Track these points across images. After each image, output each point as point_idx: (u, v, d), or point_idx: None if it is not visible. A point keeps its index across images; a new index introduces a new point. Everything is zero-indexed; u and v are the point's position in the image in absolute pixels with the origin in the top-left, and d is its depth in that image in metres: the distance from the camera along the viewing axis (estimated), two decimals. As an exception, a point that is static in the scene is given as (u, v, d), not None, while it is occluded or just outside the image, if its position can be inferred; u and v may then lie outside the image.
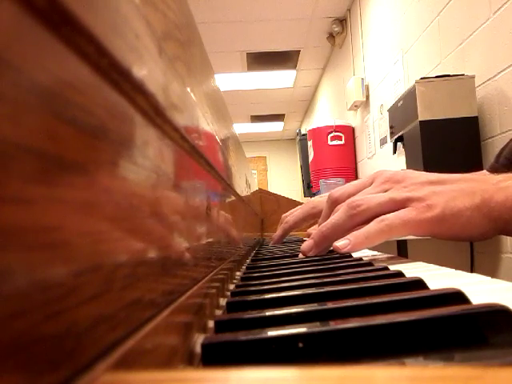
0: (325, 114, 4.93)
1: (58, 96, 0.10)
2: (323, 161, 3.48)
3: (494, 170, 0.77)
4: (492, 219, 0.44)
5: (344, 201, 0.52)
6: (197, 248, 0.26)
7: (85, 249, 0.11)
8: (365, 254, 0.61)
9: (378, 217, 0.47)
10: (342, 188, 0.55)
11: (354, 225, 0.50)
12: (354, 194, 0.53)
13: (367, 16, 3.13)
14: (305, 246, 0.54)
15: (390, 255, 0.57)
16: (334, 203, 0.54)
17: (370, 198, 0.49)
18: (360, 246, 0.46)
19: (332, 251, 0.55)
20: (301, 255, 0.56)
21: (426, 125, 1.57)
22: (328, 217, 0.53)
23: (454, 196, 0.45)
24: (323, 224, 0.52)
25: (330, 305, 0.25)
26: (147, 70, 0.16)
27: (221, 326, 0.24)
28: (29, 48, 0.09)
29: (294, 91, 5.56)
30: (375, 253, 0.64)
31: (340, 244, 0.47)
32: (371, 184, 0.53)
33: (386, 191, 0.50)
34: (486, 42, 1.59)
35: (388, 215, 0.46)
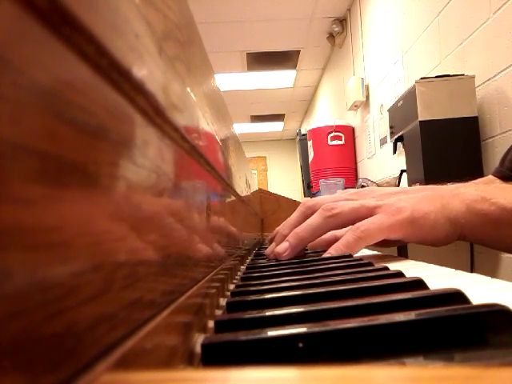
0: (325, 114, 4.93)
1: (58, 96, 0.10)
2: (323, 161, 3.47)
3: (500, 174, 0.77)
4: (452, 223, 0.47)
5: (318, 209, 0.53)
6: (197, 248, 0.26)
7: (85, 249, 0.11)
8: (365, 253, 0.61)
9: (350, 222, 0.49)
10: (317, 198, 0.57)
11: (329, 228, 0.52)
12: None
13: (367, 16, 3.12)
14: (280, 248, 0.53)
15: (389, 255, 0.57)
16: (308, 209, 0.55)
17: (343, 203, 0.52)
18: None
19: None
20: (272, 256, 0.55)
21: (426, 125, 1.57)
22: (299, 222, 0.54)
23: (418, 201, 0.49)
24: (298, 226, 0.53)
25: (330, 305, 0.25)
26: (147, 70, 0.16)
27: (221, 325, 0.24)
28: (29, 48, 0.09)
29: (294, 91, 5.55)
30: (375, 253, 0.64)
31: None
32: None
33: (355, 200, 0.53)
34: (486, 42, 1.59)
35: (362, 222, 0.48)
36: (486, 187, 0.49)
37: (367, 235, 0.48)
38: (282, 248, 0.53)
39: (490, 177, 0.79)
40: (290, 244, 0.52)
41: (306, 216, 0.54)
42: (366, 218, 0.49)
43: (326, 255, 0.49)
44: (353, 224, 0.50)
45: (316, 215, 0.52)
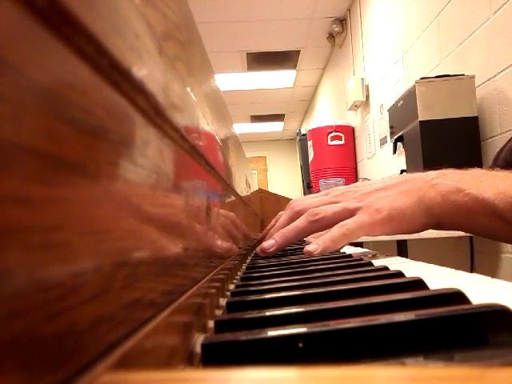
0: (325, 114, 4.92)
1: (58, 96, 0.10)
2: (323, 161, 3.47)
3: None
4: (428, 213, 0.52)
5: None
6: (197, 248, 0.26)
7: (85, 249, 0.11)
8: (364, 252, 0.61)
9: (333, 224, 0.54)
10: (303, 203, 0.61)
11: (313, 230, 0.57)
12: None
13: (367, 16, 3.12)
14: (267, 244, 0.59)
15: (389, 254, 0.57)
16: (296, 214, 0.59)
17: (326, 207, 0.56)
18: (328, 249, 0.52)
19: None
20: (258, 251, 0.61)
21: (425, 125, 1.57)
22: (286, 225, 0.59)
23: (395, 198, 0.53)
24: (286, 227, 0.58)
25: (330, 305, 0.25)
26: (147, 70, 0.16)
27: (221, 325, 0.24)
28: (29, 48, 0.09)
29: (294, 91, 5.55)
30: (375, 252, 0.64)
31: (311, 248, 0.52)
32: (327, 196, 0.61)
33: (339, 202, 0.57)
34: (485, 42, 1.59)
35: (346, 221, 0.53)
36: (464, 175, 0.52)
37: (351, 232, 0.52)
38: (269, 244, 0.58)
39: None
40: (276, 242, 0.58)
41: (293, 220, 0.58)
42: (347, 218, 0.53)
43: (313, 245, 0.52)
44: None
45: (302, 219, 0.56)
